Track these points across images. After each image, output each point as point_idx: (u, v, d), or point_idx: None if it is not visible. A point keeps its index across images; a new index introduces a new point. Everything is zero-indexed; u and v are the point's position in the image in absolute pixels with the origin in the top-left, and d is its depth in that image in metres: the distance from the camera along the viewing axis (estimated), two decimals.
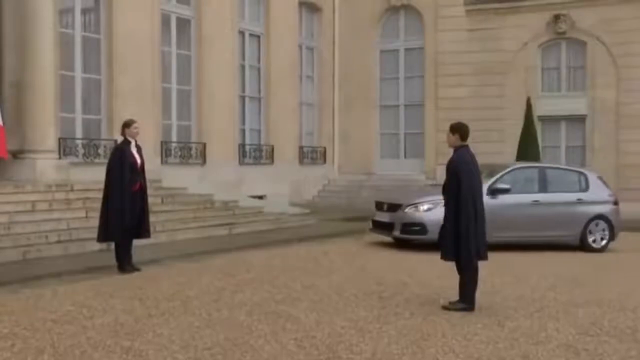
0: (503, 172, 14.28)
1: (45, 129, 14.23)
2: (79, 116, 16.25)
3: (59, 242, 11.98)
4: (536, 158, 19.60)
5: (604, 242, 14.43)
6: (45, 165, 14.00)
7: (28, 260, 11.07)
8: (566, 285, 10.27)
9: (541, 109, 22.02)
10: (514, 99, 21.96)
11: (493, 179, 13.84)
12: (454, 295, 8.78)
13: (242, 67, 20.99)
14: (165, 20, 18.32)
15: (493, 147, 21.76)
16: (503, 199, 13.68)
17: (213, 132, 19.22)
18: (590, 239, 14.38)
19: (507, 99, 22.38)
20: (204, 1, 19.10)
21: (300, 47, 23.22)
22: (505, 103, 22.42)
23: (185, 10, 18.99)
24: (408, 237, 13.84)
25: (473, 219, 8.40)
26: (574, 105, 22.30)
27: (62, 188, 13.70)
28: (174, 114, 18.71)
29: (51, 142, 14.55)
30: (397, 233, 13.88)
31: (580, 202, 14.48)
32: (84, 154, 15.99)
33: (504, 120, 22.26)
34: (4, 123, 13.47)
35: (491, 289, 9.76)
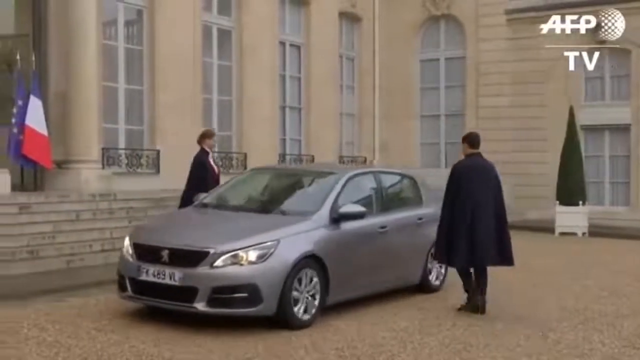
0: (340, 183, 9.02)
1: (89, 140, 14.39)
2: (121, 127, 16.42)
3: (102, 251, 12.11)
4: (579, 167, 19.39)
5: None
6: (89, 175, 14.16)
7: (72, 269, 11.22)
8: (610, 296, 10.13)
9: (584, 118, 21.70)
10: (556, 108, 21.68)
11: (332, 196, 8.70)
12: (498, 306, 8.73)
13: (283, 77, 21.06)
14: (207, 32, 18.45)
15: (534, 157, 21.57)
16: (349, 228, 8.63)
17: (254, 142, 19.29)
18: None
19: (549, 108, 22.11)
20: (244, 12, 19.21)
21: (340, 57, 23.21)
22: (546, 112, 22.15)
23: (226, 22, 19.12)
24: (224, 312, 7.55)
25: (466, 224, 8.63)
26: (618, 114, 21.96)
27: (106, 198, 13.84)
28: (215, 124, 18.80)
29: (95, 152, 14.71)
30: (201, 305, 7.46)
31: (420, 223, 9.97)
32: (126, 164, 16.14)
33: (545, 129, 21.98)
34: (49, 133, 13.67)
35: (534, 300, 9.67)
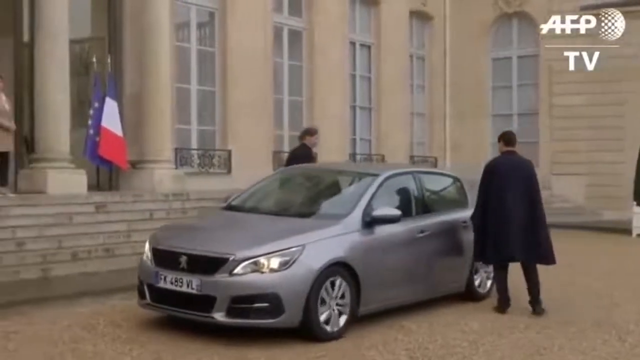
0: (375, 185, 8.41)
1: (162, 140, 14.62)
2: (194, 127, 16.64)
3: None
4: None
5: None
6: (163, 175, 14.39)
7: None
8: None
9: None
10: (635, 107, 21.15)
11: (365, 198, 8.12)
12: (573, 309, 8.57)
13: (353, 77, 21.07)
14: (278, 32, 18.58)
15: (610, 156, 21.05)
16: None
17: (324, 142, 19.23)
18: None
19: (628, 107, 21.53)
20: (315, 13, 19.28)
21: (410, 56, 23.10)
22: (624, 111, 21.61)
23: (297, 22, 19.22)
24: (244, 323, 7.06)
25: (496, 220, 8.62)
26: None
27: (179, 197, 14.05)
28: (285, 124, 18.93)
29: (168, 153, 14.94)
30: (220, 315, 7.01)
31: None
32: (199, 164, 16.36)
33: (622, 128, 21.43)
34: (124, 134, 13.94)
35: (611, 303, 9.45)
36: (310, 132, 11.53)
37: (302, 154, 11.04)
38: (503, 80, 24.22)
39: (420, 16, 23.49)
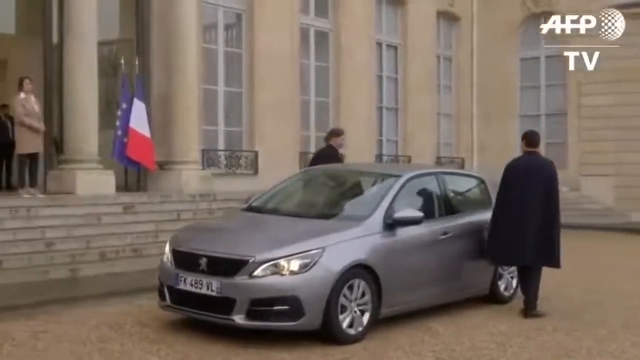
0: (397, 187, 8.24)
1: (189, 141, 14.70)
2: (221, 128, 16.71)
3: None
4: None
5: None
6: (190, 176, 14.46)
7: None
8: None
9: None
10: None
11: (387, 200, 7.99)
12: (603, 312, 8.48)
13: (380, 78, 21.05)
14: (304, 34, 18.60)
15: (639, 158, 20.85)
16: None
17: (351, 143, 19.22)
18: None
19: None
20: (341, 14, 19.28)
21: (437, 57, 23.03)
22: None
23: (323, 24, 19.23)
24: (264, 325, 7.00)
25: (509, 221, 8.54)
26: None
27: (206, 198, 14.11)
28: (312, 125, 18.95)
29: (195, 154, 15.01)
30: (239, 317, 6.94)
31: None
32: (225, 165, 16.43)
33: None
34: (151, 135, 14.03)
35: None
36: (337, 132, 11.50)
37: (328, 154, 11.02)
38: (531, 80, 24.05)
39: (447, 16, 23.40)
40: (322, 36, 19.24)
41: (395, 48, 21.50)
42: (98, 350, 6.75)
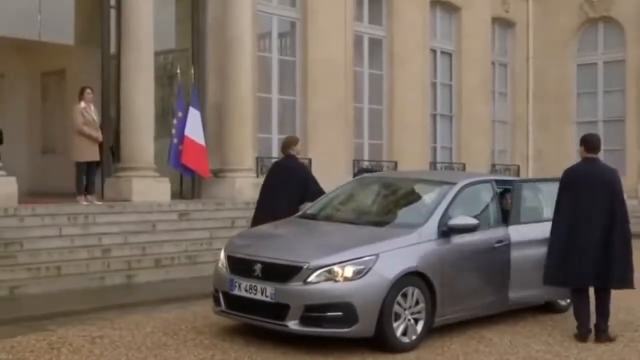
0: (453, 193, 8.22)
1: (243, 149, 14.81)
2: (274, 136, 16.78)
3: None
4: None
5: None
6: (244, 184, 14.56)
7: None
8: None
9: None
10: None
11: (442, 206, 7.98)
12: None
13: (434, 85, 20.93)
14: (358, 41, 18.60)
15: None
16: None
17: (404, 151, 19.26)
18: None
19: None
20: (395, 21, 19.24)
21: (492, 63, 22.82)
22: None
23: (377, 31, 19.21)
24: (317, 331, 7.00)
25: (568, 236, 7.74)
26: None
27: None
28: (365, 133, 18.93)
29: (249, 162, 15.12)
30: (293, 323, 6.97)
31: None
32: None
33: None
34: (206, 143, 14.17)
35: None
36: (295, 140, 10.36)
37: (292, 167, 9.99)
38: (588, 86, 23.67)
39: (502, 22, 23.19)
40: (376, 43, 19.22)
41: (450, 55, 21.37)
42: (153, 355, 6.83)
